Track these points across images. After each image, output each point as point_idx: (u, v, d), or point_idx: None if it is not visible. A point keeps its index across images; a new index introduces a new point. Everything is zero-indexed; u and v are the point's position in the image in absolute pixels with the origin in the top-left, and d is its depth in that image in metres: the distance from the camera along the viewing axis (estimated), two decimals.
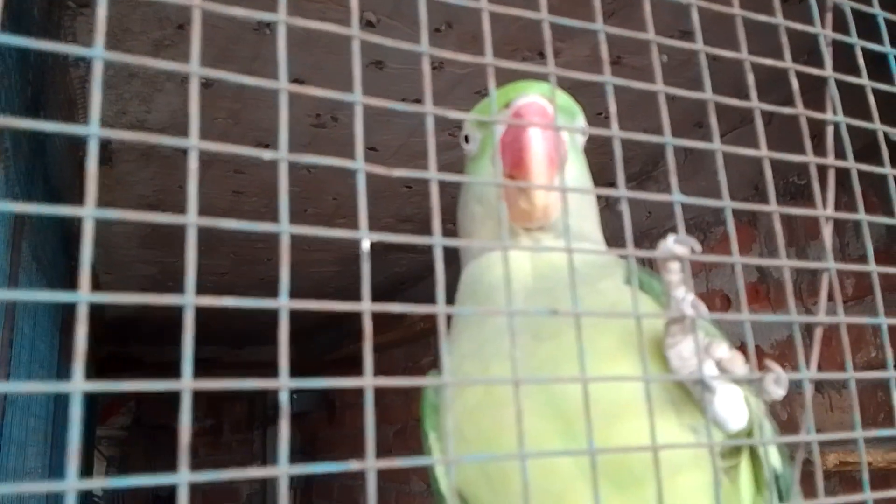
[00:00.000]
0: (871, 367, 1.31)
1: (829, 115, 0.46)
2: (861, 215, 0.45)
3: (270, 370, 4.46)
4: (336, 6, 1.18)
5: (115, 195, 1.88)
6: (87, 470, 3.28)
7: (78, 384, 0.29)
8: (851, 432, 0.41)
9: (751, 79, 0.46)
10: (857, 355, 1.33)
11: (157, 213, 0.33)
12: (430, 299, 0.58)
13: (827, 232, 0.45)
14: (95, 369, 3.20)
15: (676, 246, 0.42)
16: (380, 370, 3.52)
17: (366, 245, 0.37)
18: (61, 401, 1.83)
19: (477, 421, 0.52)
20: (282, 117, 0.36)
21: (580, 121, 0.56)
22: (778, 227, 0.43)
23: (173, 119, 1.53)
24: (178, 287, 2.99)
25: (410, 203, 2.14)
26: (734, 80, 1.42)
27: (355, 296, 3.37)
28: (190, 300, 0.32)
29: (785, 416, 1.44)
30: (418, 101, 1.56)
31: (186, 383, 0.31)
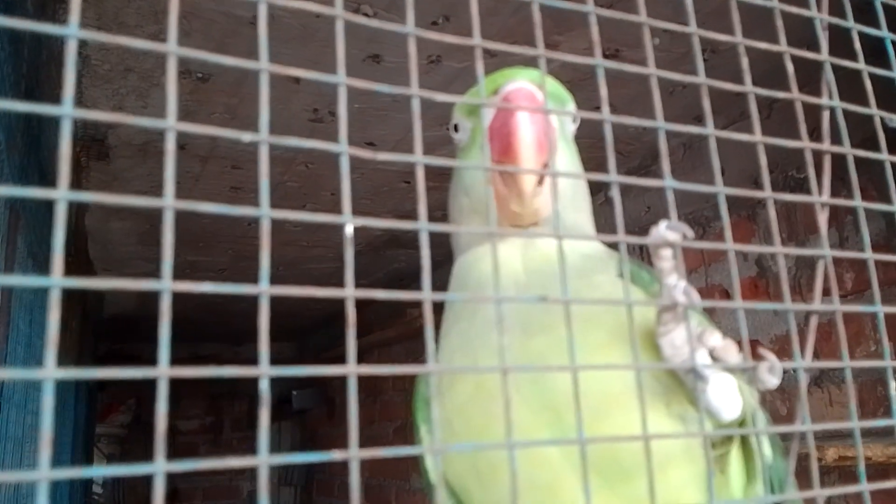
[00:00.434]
0: (870, 360, 1.30)
1: (824, 100, 0.46)
2: (857, 202, 0.45)
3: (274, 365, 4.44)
4: None
5: (112, 191, 1.88)
6: (86, 465, 3.28)
7: (50, 371, 0.29)
8: (847, 422, 0.41)
9: (745, 62, 0.45)
10: (857, 350, 1.33)
11: (133, 196, 0.32)
12: (443, 282, 0.57)
13: (823, 218, 0.44)
14: (93, 365, 3.20)
15: (668, 232, 0.41)
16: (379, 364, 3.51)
17: (349, 230, 0.37)
18: (59, 397, 1.83)
19: (467, 415, 0.51)
20: (262, 98, 0.35)
21: (570, 108, 0.55)
22: (772, 213, 0.42)
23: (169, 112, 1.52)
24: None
25: (409, 199, 2.13)
26: (732, 75, 1.42)
27: (358, 287, 3.37)
28: (167, 285, 0.31)
29: (784, 410, 1.44)
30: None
31: (162, 371, 0.30)
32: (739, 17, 0.45)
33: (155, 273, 2.65)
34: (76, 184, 1.84)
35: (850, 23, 0.50)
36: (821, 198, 0.43)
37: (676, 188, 0.41)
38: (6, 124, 1.02)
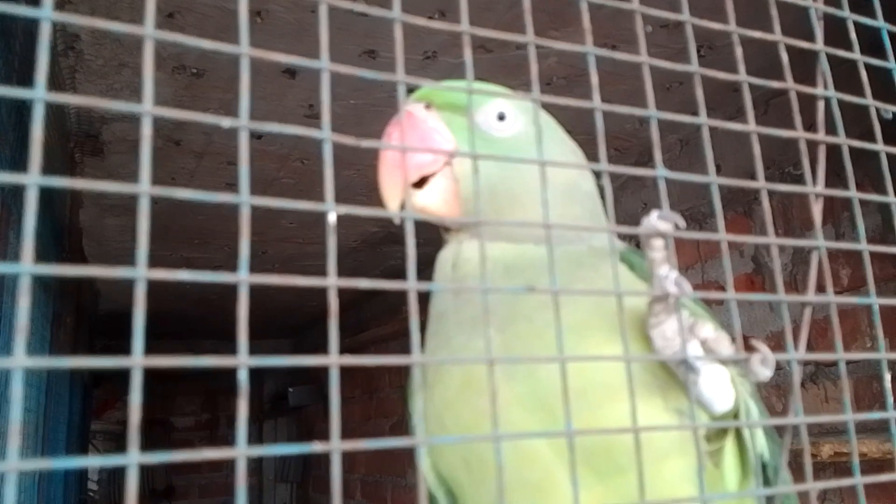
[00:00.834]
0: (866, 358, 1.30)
1: (819, 90, 0.45)
2: (852, 192, 0.44)
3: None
4: None
5: None
6: None
7: (19, 360, 0.28)
8: (842, 415, 0.40)
9: (739, 52, 0.44)
10: (853, 346, 1.32)
11: (109, 182, 0.31)
12: (424, 296, 0.56)
13: (817, 209, 0.43)
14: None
15: (660, 222, 0.40)
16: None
17: (332, 218, 0.36)
18: (52, 395, 1.82)
19: (456, 410, 0.51)
20: (243, 82, 0.34)
21: (489, 107, 0.54)
22: (766, 204, 0.42)
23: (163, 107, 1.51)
24: (174, 281, 2.97)
25: None
26: (728, 71, 1.40)
27: (350, 289, 3.36)
28: (141, 273, 0.30)
29: (780, 406, 1.43)
30: (412, 91, 1.54)
31: (137, 360, 0.30)
32: (735, 11, 0.45)
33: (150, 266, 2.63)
34: (70, 178, 1.83)
35: (845, 12, 0.49)
36: (815, 188, 0.43)
37: (669, 177, 0.40)
38: None
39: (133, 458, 0.28)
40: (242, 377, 0.31)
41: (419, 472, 0.30)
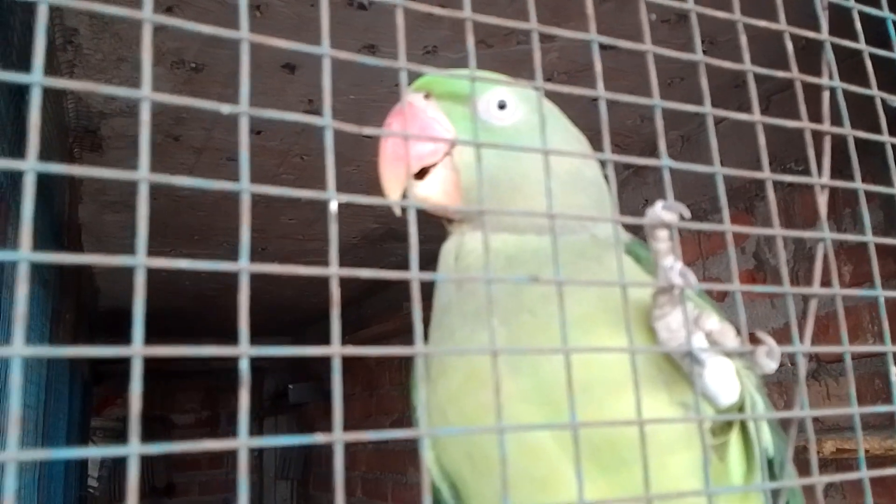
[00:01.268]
0: (868, 353, 1.29)
1: (825, 80, 0.44)
2: (858, 184, 0.43)
3: (268, 361, 4.44)
4: None
5: (105, 182, 1.86)
6: (81, 460, 3.27)
7: (17, 349, 0.28)
8: (848, 408, 0.40)
9: (743, 40, 0.44)
10: (855, 343, 1.32)
11: (104, 168, 0.31)
12: (427, 292, 0.56)
13: (822, 201, 0.43)
14: (89, 360, 3.19)
15: (664, 212, 0.40)
16: (376, 360, 3.51)
17: (333, 206, 0.35)
18: (52, 392, 1.82)
19: (460, 404, 0.50)
20: (243, 68, 0.34)
21: (489, 95, 0.54)
22: (771, 195, 0.41)
23: (162, 103, 1.50)
24: (173, 278, 2.97)
25: None
26: (732, 74, 1.39)
27: (353, 284, 3.35)
28: (141, 261, 0.30)
29: (782, 404, 1.43)
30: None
31: (137, 349, 0.29)
32: (740, 2, 0.44)
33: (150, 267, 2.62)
34: (69, 175, 1.83)
35: (850, 2, 0.49)
36: (820, 179, 0.42)
37: (673, 167, 0.40)
38: None
39: (134, 449, 0.28)
40: (244, 366, 0.30)
41: (422, 463, 0.30)
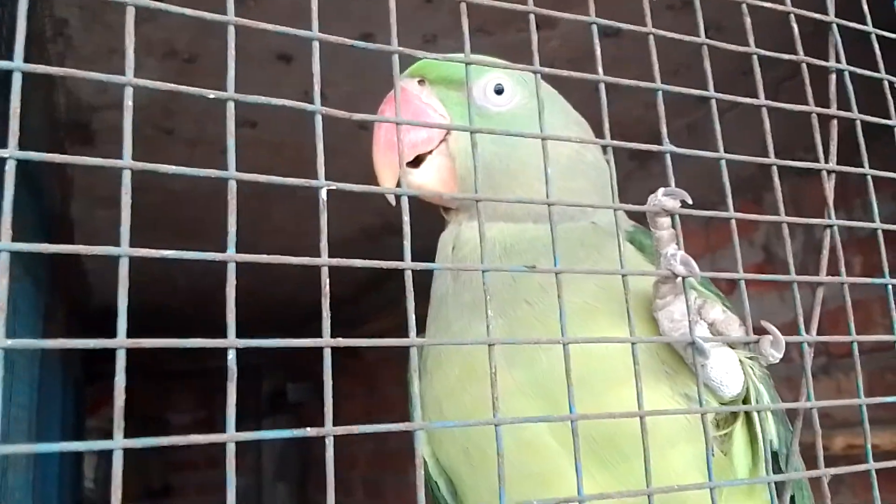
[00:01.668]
0: (878, 348, 1.28)
1: (831, 63, 0.43)
2: (866, 169, 0.42)
3: (266, 360, 4.43)
4: None
5: (97, 177, 1.84)
6: (76, 461, 3.26)
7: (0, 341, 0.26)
8: (855, 399, 0.39)
9: (748, 23, 0.43)
10: (867, 335, 1.31)
11: (88, 157, 0.30)
12: (425, 288, 0.55)
13: (829, 187, 0.42)
14: (81, 360, 3.16)
15: (666, 199, 0.39)
16: (375, 358, 3.50)
17: (323, 194, 0.34)
18: (45, 391, 1.80)
19: (456, 398, 0.49)
20: (230, 53, 0.33)
21: (485, 80, 0.52)
22: (776, 180, 0.40)
23: (153, 96, 1.49)
24: (167, 275, 2.95)
25: None
26: (737, 55, 1.37)
27: (349, 281, 3.34)
28: (125, 250, 0.29)
29: (791, 399, 1.42)
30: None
31: (121, 341, 0.28)
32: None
33: (143, 263, 2.60)
34: (60, 169, 1.81)
35: None
36: (827, 164, 0.41)
37: (676, 153, 0.39)
38: None
39: (118, 443, 0.27)
40: (231, 358, 0.29)
41: (417, 456, 0.29)
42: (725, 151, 0.39)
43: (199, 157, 1.85)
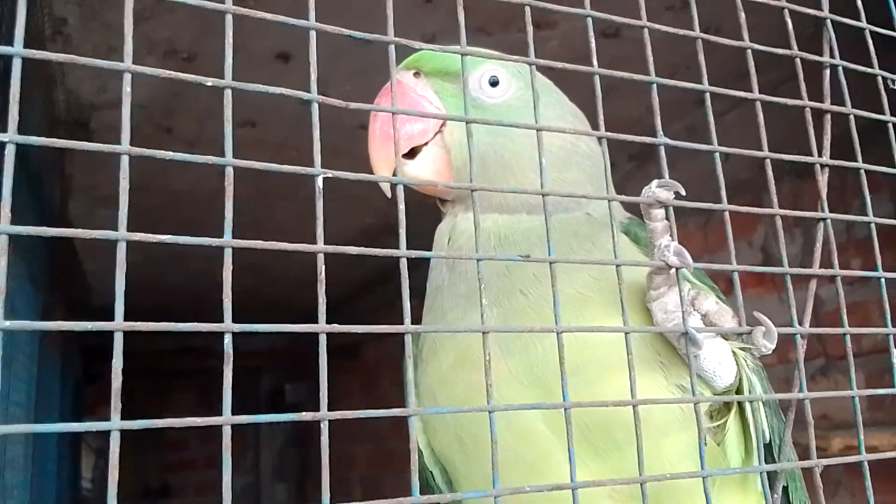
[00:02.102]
0: (878, 349, 1.28)
1: (825, 58, 0.44)
2: (859, 164, 0.43)
3: (265, 361, 4.42)
4: None
5: (97, 177, 1.85)
6: (74, 460, 3.25)
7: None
8: (847, 391, 0.39)
9: (742, 18, 0.43)
10: (864, 337, 1.31)
11: (84, 142, 0.30)
12: (421, 290, 0.55)
13: (823, 180, 0.42)
14: (81, 358, 3.16)
15: (660, 190, 0.39)
16: (374, 358, 3.50)
17: (319, 182, 0.35)
18: (44, 390, 1.80)
19: (450, 386, 0.49)
20: (227, 41, 0.33)
21: (480, 72, 0.53)
22: (769, 172, 0.40)
23: (154, 94, 1.49)
24: (166, 274, 2.95)
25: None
26: (734, 56, 1.38)
27: (350, 279, 3.34)
28: (122, 234, 0.30)
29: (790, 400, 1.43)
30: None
31: (119, 324, 0.29)
32: None
33: (143, 262, 2.61)
34: (60, 169, 1.81)
35: None
36: (821, 158, 0.41)
37: (670, 145, 0.39)
38: None
39: (115, 425, 0.27)
40: (227, 342, 0.30)
41: (411, 442, 0.29)
42: (722, 154, 0.39)
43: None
